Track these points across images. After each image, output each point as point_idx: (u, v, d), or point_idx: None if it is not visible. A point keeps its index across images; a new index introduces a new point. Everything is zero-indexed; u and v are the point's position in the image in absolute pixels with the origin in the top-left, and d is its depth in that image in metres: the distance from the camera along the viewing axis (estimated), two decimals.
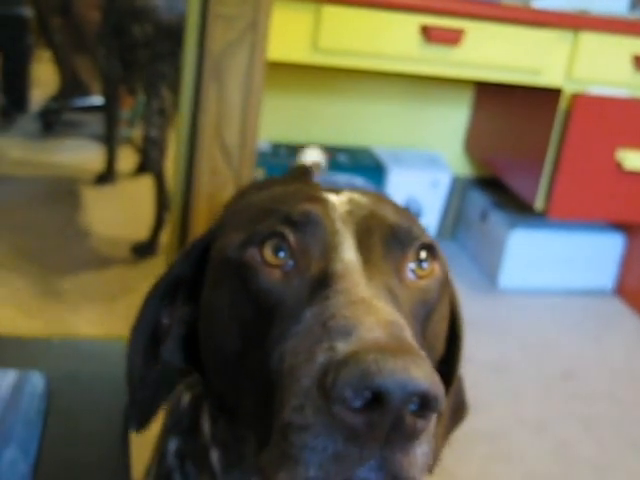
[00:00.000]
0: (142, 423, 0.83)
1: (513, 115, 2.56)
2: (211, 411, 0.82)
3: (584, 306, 2.64)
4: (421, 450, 0.63)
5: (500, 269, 2.62)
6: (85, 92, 3.58)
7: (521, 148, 2.49)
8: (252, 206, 0.78)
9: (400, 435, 0.60)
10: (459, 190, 2.84)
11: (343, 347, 0.60)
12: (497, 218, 2.64)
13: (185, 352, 0.82)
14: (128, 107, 3.35)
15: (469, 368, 2.18)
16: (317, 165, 1.62)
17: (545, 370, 2.28)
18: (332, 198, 0.75)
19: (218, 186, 1.92)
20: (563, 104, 2.30)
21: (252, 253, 0.71)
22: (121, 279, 2.38)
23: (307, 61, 2.11)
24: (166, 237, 2.38)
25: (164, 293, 0.81)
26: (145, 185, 2.81)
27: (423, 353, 0.63)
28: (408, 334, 0.64)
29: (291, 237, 0.71)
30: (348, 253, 0.70)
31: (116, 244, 2.59)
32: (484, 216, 2.71)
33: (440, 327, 0.81)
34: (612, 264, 2.72)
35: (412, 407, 0.59)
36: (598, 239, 2.68)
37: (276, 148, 2.63)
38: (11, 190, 2.85)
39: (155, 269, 2.23)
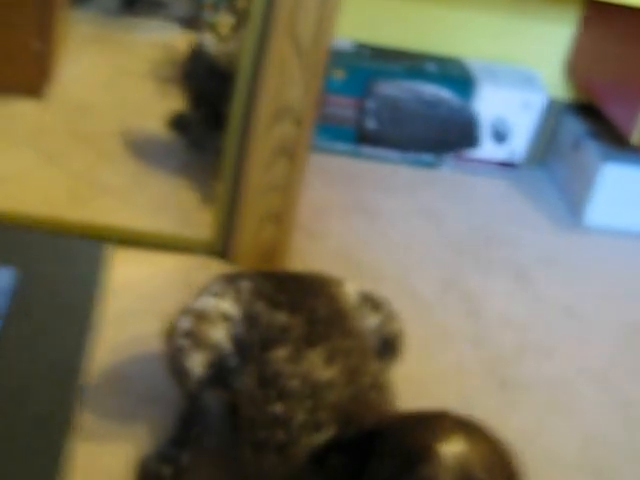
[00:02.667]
0: None
1: (622, 39, 2.33)
2: None
3: None
4: None
5: (588, 204, 2.42)
6: None
7: (625, 75, 2.27)
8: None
9: None
10: (554, 114, 2.62)
11: None
12: (590, 148, 2.43)
13: None
14: None
15: (539, 307, 2.04)
16: None
17: (622, 319, 2.10)
18: None
19: (286, 82, 1.76)
20: None
21: None
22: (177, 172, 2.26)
23: None
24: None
25: None
26: None
27: None
28: None
29: None
30: None
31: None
32: (577, 145, 2.50)
33: None
34: None
35: None
36: None
37: (360, 49, 2.45)
38: (79, 69, 2.72)
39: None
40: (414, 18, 2.48)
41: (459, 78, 2.43)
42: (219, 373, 1.36)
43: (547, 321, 2.02)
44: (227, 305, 1.37)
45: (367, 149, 2.50)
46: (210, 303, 1.37)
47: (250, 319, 1.35)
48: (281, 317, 1.33)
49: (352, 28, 2.47)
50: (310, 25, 1.72)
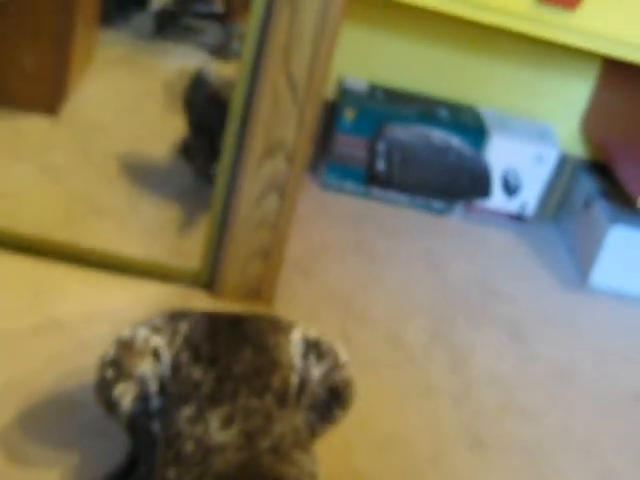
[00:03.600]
0: None
1: (637, 100, 2.29)
2: None
3: None
4: None
5: (595, 266, 2.37)
6: None
7: (637, 138, 2.23)
8: None
9: None
10: (569, 170, 2.59)
11: None
12: (601, 208, 2.39)
13: None
14: (245, 21, 3.21)
15: (530, 367, 1.99)
16: None
17: (616, 387, 2.04)
18: None
19: (279, 117, 1.75)
20: None
21: None
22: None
23: None
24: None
25: None
26: None
27: None
28: None
29: None
30: None
31: None
32: (588, 204, 2.46)
33: None
34: None
35: None
36: None
37: (373, 90, 2.43)
38: (98, 90, 2.72)
39: None
40: (430, 63, 2.46)
41: (471, 126, 2.41)
42: (145, 409, 1.32)
43: (536, 382, 1.97)
44: (160, 343, 1.33)
45: (376, 191, 2.48)
46: (142, 335, 1.33)
47: (175, 369, 1.31)
48: (197, 372, 1.28)
49: (367, 69, 2.46)
50: (304, 61, 1.70)
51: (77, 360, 1.62)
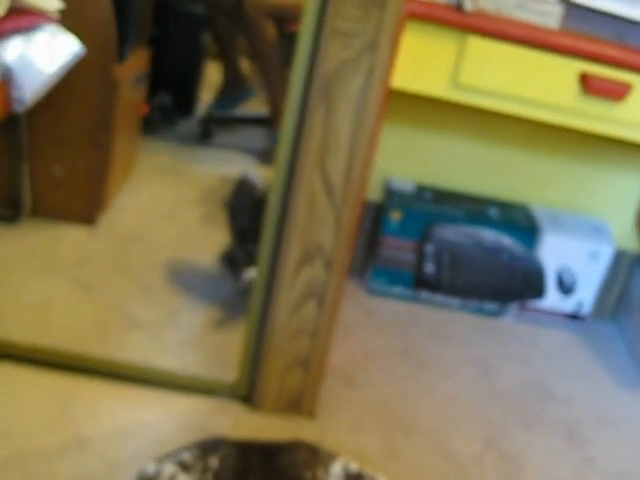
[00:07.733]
0: None
1: None
2: None
3: None
4: None
5: None
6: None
7: None
8: None
9: None
10: (626, 267, 2.49)
11: None
12: None
13: None
14: None
15: (588, 471, 1.87)
16: None
17: None
18: None
19: (315, 220, 1.69)
20: None
21: None
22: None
23: (444, 96, 1.86)
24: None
25: None
26: None
27: None
28: None
29: None
30: None
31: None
32: None
33: None
34: None
35: None
36: None
37: (421, 191, 2.37)
38: (137, 199, 2.69)
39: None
40: (479, 161, 2.40)
41: (523, 225, 2.32)
42: None
43: None
44: None
45: (425, 294, 2.40)
46: (168, 472, 1.25)
47: None
48: None
49: (414, 170, 2.40)
50: (341, 163, 1.65)
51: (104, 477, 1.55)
